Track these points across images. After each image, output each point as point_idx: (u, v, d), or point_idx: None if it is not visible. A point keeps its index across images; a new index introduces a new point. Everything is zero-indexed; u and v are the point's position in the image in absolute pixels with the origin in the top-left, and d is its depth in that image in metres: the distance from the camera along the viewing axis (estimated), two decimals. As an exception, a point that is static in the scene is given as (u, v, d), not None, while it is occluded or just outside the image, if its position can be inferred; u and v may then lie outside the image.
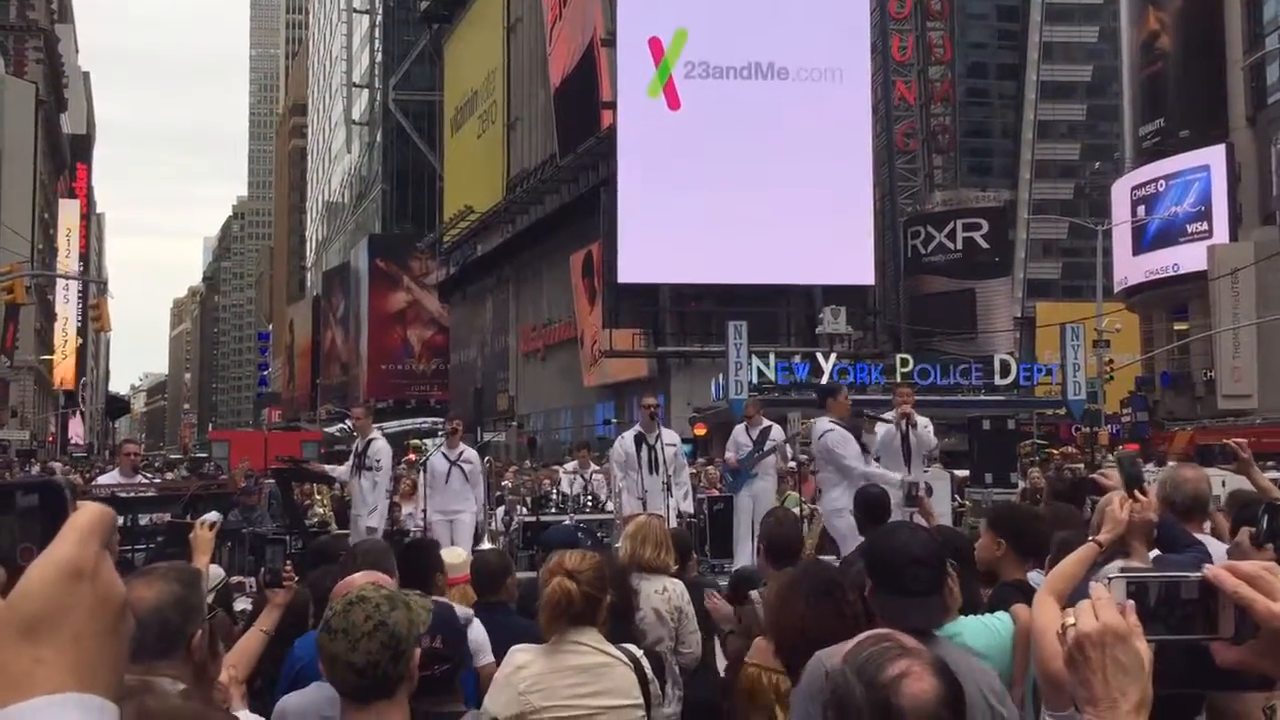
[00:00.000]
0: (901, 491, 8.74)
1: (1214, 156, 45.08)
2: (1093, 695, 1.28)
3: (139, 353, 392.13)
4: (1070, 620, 1.31)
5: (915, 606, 3.07)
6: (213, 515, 4.62)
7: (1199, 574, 1.31)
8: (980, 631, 3.55)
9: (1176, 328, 47.23)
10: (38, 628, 0.81)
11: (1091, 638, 1.28)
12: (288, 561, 3.74)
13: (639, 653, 3.71)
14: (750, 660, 4.12)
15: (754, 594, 4.92)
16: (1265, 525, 2.50)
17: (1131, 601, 1.29)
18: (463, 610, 4.20)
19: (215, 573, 5.30)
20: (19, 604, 0.82)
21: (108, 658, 0.83)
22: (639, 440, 10.92)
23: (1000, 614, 3.78)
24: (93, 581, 0.83)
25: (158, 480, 15.56)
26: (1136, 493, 3.17)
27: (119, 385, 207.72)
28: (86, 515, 0.86)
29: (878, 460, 10.72)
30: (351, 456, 11.71)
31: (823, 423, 9.39)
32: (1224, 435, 31.11)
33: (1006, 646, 3.61)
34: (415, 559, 4.83)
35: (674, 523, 9.44)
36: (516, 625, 4.63)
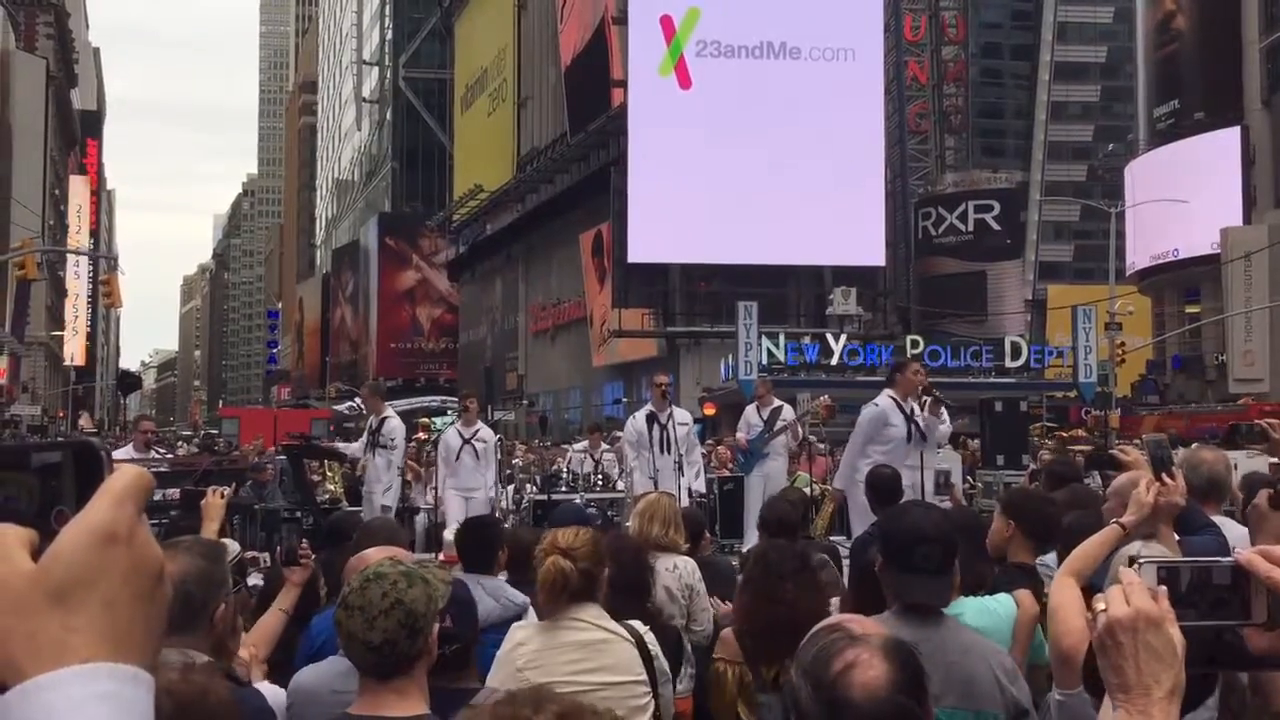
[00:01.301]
0: (926, 479, 8.71)
1: (1229, 139, 44.78)
2: (1124, 682, 1.25)
3: (149, 329, 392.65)
4: (1101, 605, 1.28)
5: (925, 584, 3.09)
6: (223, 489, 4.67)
7: (1230, 559, 1.30)
8: (980, 612, 3.57)
9: (1188, 311, 47.05)
10: (70, 593, 0.78)
11: (1123, 623, 1.25)
12: (303, 540, 3.73)
13: (643, 629, 3.69)
14: (716, 655, 4.12)
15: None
16: None
17: (1164, 587, 1.27)
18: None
19: (231, 547, 5.33)
20: (50, 568, 0.79)
21: (142, 625, 0.81)
22: (651, 419, 10.92)
23: (1001, 596, 3.79)
24: (128, 546, 0.80)
25: (170, 456, 15.61)
26: (1164, 476, 3.16)
27: (129, 362, 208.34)
28: (123, 478, 0.84)
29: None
30: (365, 434, 11.74)
31: (880, 396, 9.25)
32: (1195, 420, 31.39)
33: (1005, 629, 3.62)
34: (480, 537, 4.82)
35: (685, 502, 9.44)
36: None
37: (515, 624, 3.75)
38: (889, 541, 3.21)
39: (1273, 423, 5.54)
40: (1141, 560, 1.31)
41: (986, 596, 3.74)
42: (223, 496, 4.43)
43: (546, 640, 3.50)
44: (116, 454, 12.10)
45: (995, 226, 46.91)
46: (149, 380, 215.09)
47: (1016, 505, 4.46)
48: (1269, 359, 40.65)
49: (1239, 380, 40.79)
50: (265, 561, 6.28)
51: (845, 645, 1.79)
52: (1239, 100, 45.03)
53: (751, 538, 10.69)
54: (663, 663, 3.68)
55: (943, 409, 9.06)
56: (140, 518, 0.82)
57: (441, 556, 8.59)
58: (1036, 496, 4.60)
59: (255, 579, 5.98)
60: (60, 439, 1.11)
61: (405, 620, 2.48)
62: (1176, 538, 3.20)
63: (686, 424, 11.23)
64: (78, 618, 0.77)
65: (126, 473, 0.84)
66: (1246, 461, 8.63)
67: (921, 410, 8.92)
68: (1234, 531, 4.02)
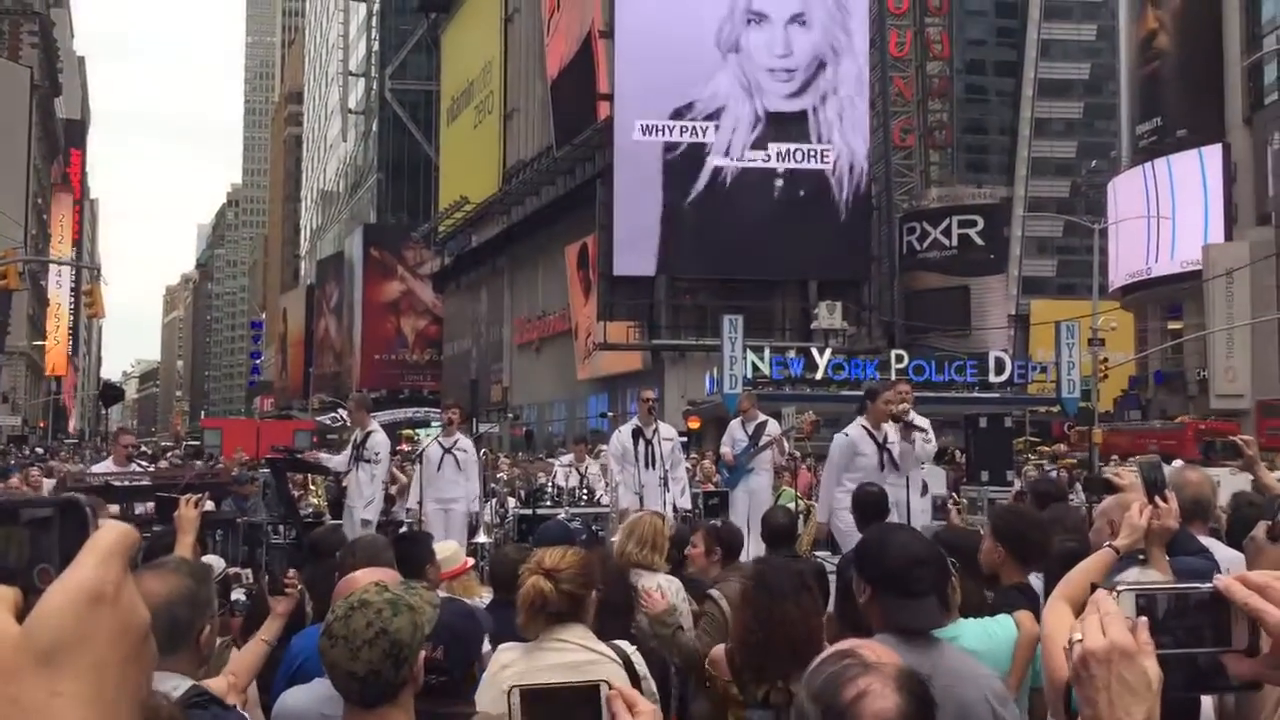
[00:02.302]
0: (912, 495, 8.69)
1: (1211, 156, 45.13)
2: (1096, 714, 1.24)
3: (131, 339, 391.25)
4: (1077, 635, 1.27)
5: (915, 607, 3.04)
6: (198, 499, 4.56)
7: (1209, 585, 1.28)
8: (979, 635, 3.54)
9: (1170, 327, 47.32)
10: (56, 656, 0.75)
11: (1097, 655, 1.24)
12: (290, 568, 3.65)
13: (630, 649, 3.67)
14: (710, 670, 4.09)
15: (713, 592, 4.90)
16: None
17: (1144, 618, 1.26)
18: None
19: (216, 564, 5.28)
20: (36, 631, 0.76)
21: (130, 688, 0.78)
22: (636, 434, 10.89)
23: (1001, 618, 3.77)
24: (114, 606, 0.78)
25: (151, 469, 15.50)
26: (1158, 499, 3.15)
27: (111, 372, 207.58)
28: (108, 535, 0.81)
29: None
30: (350, 448, 11.67)
31: (852, 425, 9.21)
32: (1137, 437, 31.74)
33: (1003, 651, 3.60)
34: (406, 552, 4.80)
35: (671, 518, 9.41)
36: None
37: (502, 645, 3.72)
38: (877, 564, 3.16)
39: (1247, 439, 5.55)
40: (1120, 588, 1.30)
41: (987, 619, 3.72)
42: (197, 506, 4.30)
43: (531, 661, 3.47)
44: (97, 467, 12.01)
45: (979, 241, 47.10)
46: (131, 390, 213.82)
47: (1004, 526, 4.46)
48: (1250, 375, 40.88)
49: (1221, 396, 41.00)
50: (248, 578, 6.23)
51: (858, 673, 1.75)
52: (1221, 118, 45.39)
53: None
54: (650, 684, 3.65)
55: (916, 433, 8.96)
56: (126, 577, 0.80)
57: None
58: (1026, 518, 4.59)
59: (238, 594, 5.94)
60: (45, 496, 1.07)
61: (390, 650, 2.44)
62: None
63: (672, 439, 11.20)
64: (65, 682, 0.75)
65: (112, 529, 0.82)
66: (1230, 479, 8.67)
67: (898, 435, 8.88)
68: (1222, 553, 4.02)
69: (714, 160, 44.18)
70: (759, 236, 42.40)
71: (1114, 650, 1.23)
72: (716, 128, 44.29)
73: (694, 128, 44.24)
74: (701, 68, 44.47)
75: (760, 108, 44.83)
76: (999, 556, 4.26)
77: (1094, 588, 1.36)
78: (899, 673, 1.78)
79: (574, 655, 3.47)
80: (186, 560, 3.19)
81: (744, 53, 45.10)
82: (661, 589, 5.32)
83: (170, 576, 2.65)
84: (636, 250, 43.13)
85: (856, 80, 45.89)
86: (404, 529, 12.35)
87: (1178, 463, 8.07)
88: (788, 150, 44.37)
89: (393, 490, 13.34)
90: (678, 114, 44.33)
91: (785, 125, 44.79)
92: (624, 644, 3.67)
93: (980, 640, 3.49)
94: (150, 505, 8.62)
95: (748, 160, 44.23)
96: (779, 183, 44.39)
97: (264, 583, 4.17)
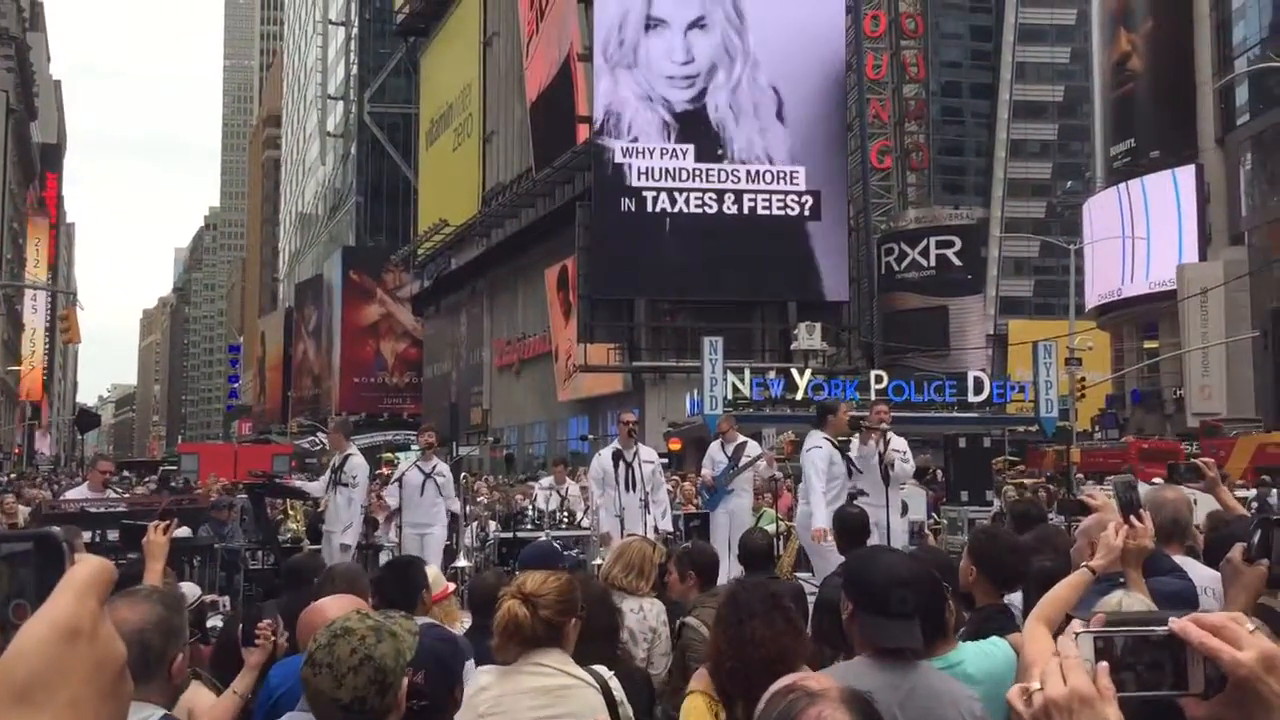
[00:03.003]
0: (892, 516, 8.73)
1: (1184, 177, 45.61)
2: None
3: (107, 363, 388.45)
4: (1035, 685, 1.26)
5: (897, 629, 3.05)
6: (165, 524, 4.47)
7: (1165, 629, 1.27)
8: (980, 658, 3.54)
9: (1146, 346, 47.69)
10: (32, 693, 0.74)
11: (1058, 703, 1.22)
12: (265, 619, 3.57)
13: (608, 674, 3.65)
14: (691, 689, 4.07)
15: (690, 620, 4.88)
16: (1258, 540, 2.48)
17: (1104, 664, 1.25)
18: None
19: (191, 591, 5.22)
20: (12, 667, 0.75)
21: None
22: (617, 457, 10.86)
23: (996, 639, 3.78)
24: (91, 642, 0.76)
25: (127, 495, 15.37)
26: (1133, 518, 3.16)
27: (86, 396, 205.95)
28: (85, 570, 0.79)
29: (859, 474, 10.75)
30: (327, 472, 11.60)
31: (814, 437, 9.36)
32: (1086, 456, 32.22)
33: (1005, 671, 3.60)
34: (401, 577, 4.73)
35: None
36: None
37: (479, 668, 3.69)
38: (862, 586, 3.17)
39: (1208, 461, 5.60)
40: (1078, 632, 1.29)
41: (983, 641, 3.72)
42: (165, 532, 4.20)
43: (507, 685, 3.44)
44: (71, 493, 11.90)
45: (957, 262, 47.40)
46: (107, 415, 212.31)
47: (978, 548, 4.49)
48: (1225, 393, 41.23)
49: (1197, 414, 41.31)
50: (225, 605, 6.18)
51: (807, 703, 1.81)
52: (1193, 139, 45.93)
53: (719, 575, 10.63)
54: (627, 709, 3.63)
55: (874, 438, 9.19)
56: (102, 612, 0.79)
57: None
58: (1001, 540, 4.60)
59: (215, 621, 5.88)
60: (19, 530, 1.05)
61: (375, 677, 2.42)
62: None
63: (653, 461, 11.18)
64: (41, 718, 0.74)
65: (89, 564, 0.80)
66: (1205, 498, 8.71)
67: (870, 444, 9.06)
68: (1198, 572, 4.03)
69: (691, 182, 44.33)
70: (739, 257, 42.51)
71: (1074, 698, 1.22)
72: (695, 150, 44.45)
73: (674, 150, 44.40)
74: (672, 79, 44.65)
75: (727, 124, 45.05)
76: (972, 577, 4.28)
77: (1069, 619, 1.35)
78: (844, 694, 1.85)
79: (551, 679, 3.45)
80: (159, 588, 3.16)
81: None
82: (644, 612, 5.31)
83: (142, 605, 2.62)
84: (617, 272, 43.21)
85: (835, 103, 46.17)
86: (384, 553, 12.30)
87: (1156, 483, 8.11)
88: (758, 172, 44.58)
89: (379, 517, 13.26)
90: (653, 134, 44.46)
91: (755, 141, 44.97)
92: (602, 669, 3.65)
93: (982, 661, 3.49)
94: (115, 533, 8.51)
95: (727, 183, 44.39)
96: (755, 204, 44.54)
97: (239, 612, 4.10)
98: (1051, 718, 1.23)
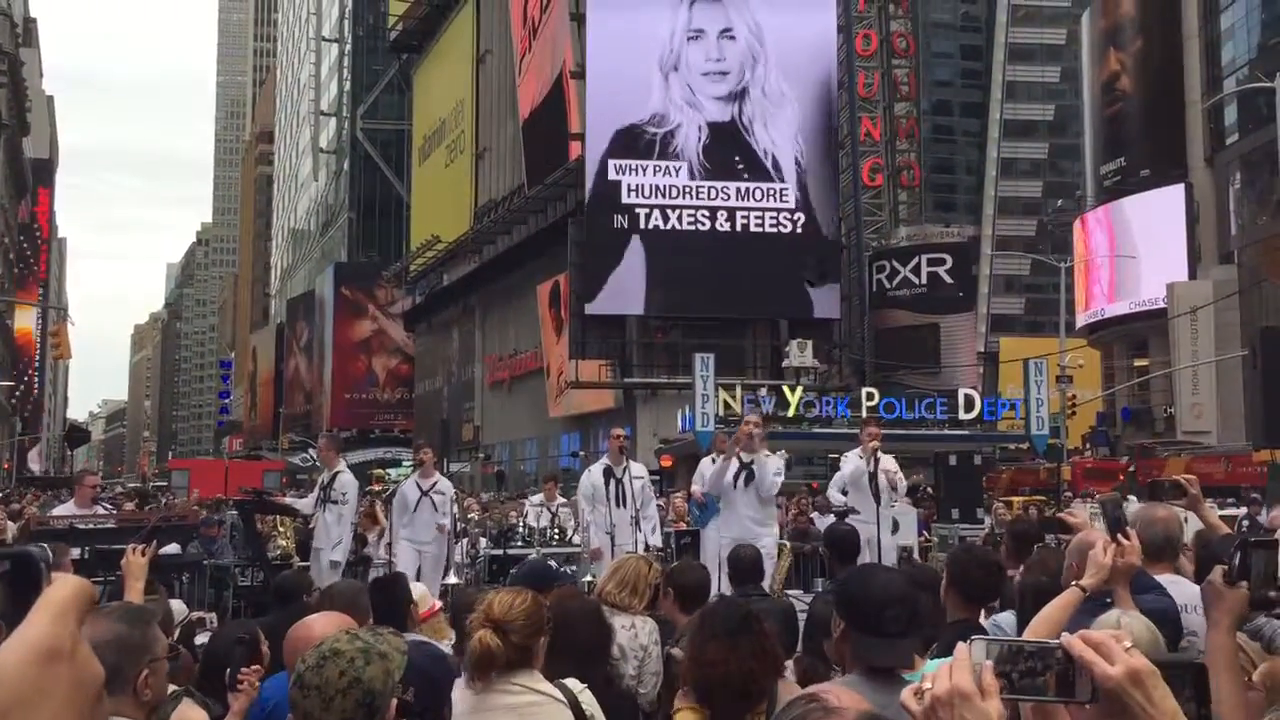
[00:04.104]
0: (882, 532, 8.73)
1: (1173, 196, 45.82)
2: None
3: (98, 379, 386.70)
4: (927, 685, 1.37)
5: (884, 647, 3.05)
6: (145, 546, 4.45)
7: (1057, 642, 1.40)
8: None
9: (1137, 364, 47.82)
10: (10, 715, 0.73)
11: (940, 699, 1.34)
12: (250, 664, 3.53)
13: (579, 688, 3.65)
14: (678, 705, 4.07)
15: (674, 651, 4.86)
16: (1238, 562, 2.49)
17: (988, 662, 1.37)
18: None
19: (178, 609, 5.19)
20: None
21: None
22: (607, 473, 10.85)
23: None
24: (70, 663, 0.76)
25: (116, 511, 15.28)
26: (1119, 537, 3.16)
27: (77, 412, 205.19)
28: (63, 589, 0.78)
29: (844, 494, 10.75)
30: (316, 489, 11.55)
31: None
32: (1042, 473, 32.61)
33: None
34: (386, 594, 4.75)
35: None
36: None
37: (456, 683, 3.69)
38: (854, 604, 3.17)
39: (1190, 478, 5.61)
40: (973, 638, 1.41)
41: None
42: (144, 554, 4.17)
43: (477, 703, 3.47)
44: (59, 509, 11.82)
45: (948, 280, 47.52)
46: (97, 431, 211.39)
47: (952, 564, 4.53)
48: (1215, 411, 41.32)
49: (1187, 432, 41.40)
50: (213, 622, 6.14)
51: (821, 717, 1.76)
52: (1183, 158, 46.18)
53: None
54: None
55: (884, 472, 9.28)
56: (80, 632, 0.78)
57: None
58: (976, 557, 4.62)
59: (203, 638, 5.85)
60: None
61: (363, 700, 2.40)
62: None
63: (643, 477, 11.17)
64: None
65: (67, 584, 0.80)
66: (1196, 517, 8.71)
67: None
68: (1186, 589, 4.03)
69: (682, 199, 44.42)
70: (730, 274, 42.58)
71: (955, 693, 1.33)
72: (686, 168, 44.56)
73: (666, 167, 44.50)
74: (651, 93, 44.73)
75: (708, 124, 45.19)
76: (945, 593, 4.33)
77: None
78: (860, 715, 1.79)
79: (520, 697, 3.48)
80: (128, 604, 3.14)
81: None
82: (636, 629, 5.29)
83: (103, 621, 2.60)
84: (608, 289, 43.23)
85: (826, 121, 46.37)
86: (375, 569, 12.25)
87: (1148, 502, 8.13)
88: (748, 189, 44.71)
89: (370, 535, 13.21)
90: (644, 151, 44.52)
91: (749, 157, 45.11)
92: (572, 683, 3.66)
93: None
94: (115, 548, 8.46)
95: (717, 200, 44.51)
96: (747, 221, 44.65)
97: (224, 628, 4.06)
98: (938, 713, 1.34)
